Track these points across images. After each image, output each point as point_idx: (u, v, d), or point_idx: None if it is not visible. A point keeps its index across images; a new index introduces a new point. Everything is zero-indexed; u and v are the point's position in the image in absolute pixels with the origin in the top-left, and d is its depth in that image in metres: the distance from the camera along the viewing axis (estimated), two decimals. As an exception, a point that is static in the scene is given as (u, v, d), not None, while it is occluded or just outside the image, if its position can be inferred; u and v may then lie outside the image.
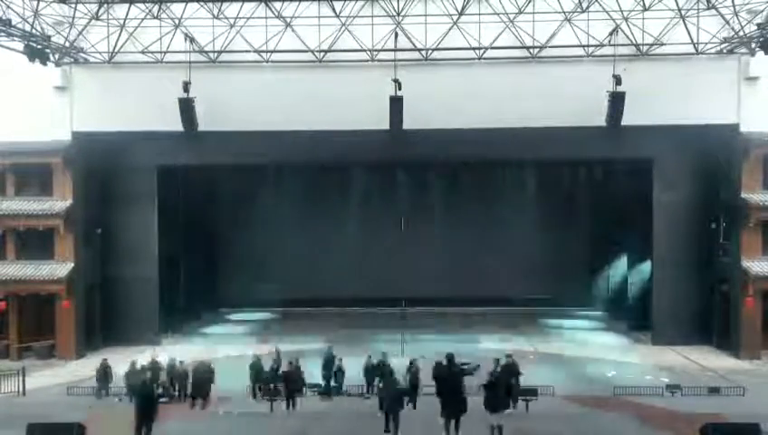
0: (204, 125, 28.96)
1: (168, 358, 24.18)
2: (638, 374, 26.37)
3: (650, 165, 31.84)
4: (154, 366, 23.09)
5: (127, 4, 28.54)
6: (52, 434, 11.76)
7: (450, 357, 13.98)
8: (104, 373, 23.36)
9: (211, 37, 29.81)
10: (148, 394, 15.75)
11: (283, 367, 22.68)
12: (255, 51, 29.83)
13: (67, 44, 29.00)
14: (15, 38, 26.11)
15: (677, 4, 27.71)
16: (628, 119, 28.10)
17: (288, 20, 29.79)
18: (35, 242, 30.47)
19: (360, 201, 40.64)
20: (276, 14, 29.69)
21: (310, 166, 35.14)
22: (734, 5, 26.79)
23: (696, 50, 28.68)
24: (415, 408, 19.67)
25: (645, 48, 29.45)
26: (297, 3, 29.28)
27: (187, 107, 28.40)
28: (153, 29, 29.41)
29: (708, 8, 27.82)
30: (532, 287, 41.93)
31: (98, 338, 31.88)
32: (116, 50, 29.60)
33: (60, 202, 30.35)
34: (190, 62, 29.02)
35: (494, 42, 29.55)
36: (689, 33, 28.33)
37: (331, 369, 23.58)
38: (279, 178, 38.81)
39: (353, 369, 23.71)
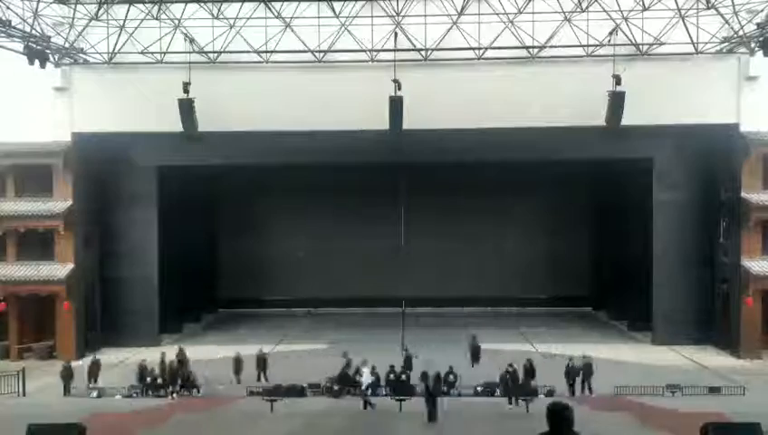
0: (204, 125, 28.94)
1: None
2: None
3: (650, 165, 31.84)
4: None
5: (126, 5, 28.54)
6: (53, 434, 11.73)
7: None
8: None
9: (211, 38, 29.78)
10: None
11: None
12: (255, 51, 29.81)
13: (67, 45, 29.00)
14: (15, 39, 26.12)
15: (677, 4, 27.69)
16: (628, 119, 28.08)
17: (288, 20, 29.77)
18: (36, 243, 30.51)
19: (360, 201, 40.69)
20: (276, 14, 29.67)
21: (310, 166, 35.12)
22: (733, 5, 26.76)
23: (696, 50, 28.67)
24: None
25: (644, 48, 29.44)
26: (297, 3, 29.27)
27: (186, 107, 28.38)
28: (153, 30, 29.37)
29: (708, 8, 27.79)
30: (531, 287, 41.97)
31: (98, 339, 31.88)
32: (116, 50, 29.59)
33: (60, 203, 30.35)
34: (190, 63, 28.99)
35: (493, 42, 29.53)
36: (689, 33, 28.31)
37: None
38: (279, 178, 38.86)
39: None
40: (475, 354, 27.86)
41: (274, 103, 29.71)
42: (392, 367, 24.71)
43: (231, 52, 29.97)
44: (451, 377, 24.46)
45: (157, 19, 29.03)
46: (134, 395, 24.18)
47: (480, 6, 29.68)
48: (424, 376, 21.71)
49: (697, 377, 25.93)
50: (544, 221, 41.72)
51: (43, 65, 27.20)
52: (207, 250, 41.53)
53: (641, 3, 27.97)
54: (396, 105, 27.53)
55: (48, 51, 27.74)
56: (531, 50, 29.63)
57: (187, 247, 36.08)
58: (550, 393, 23.50)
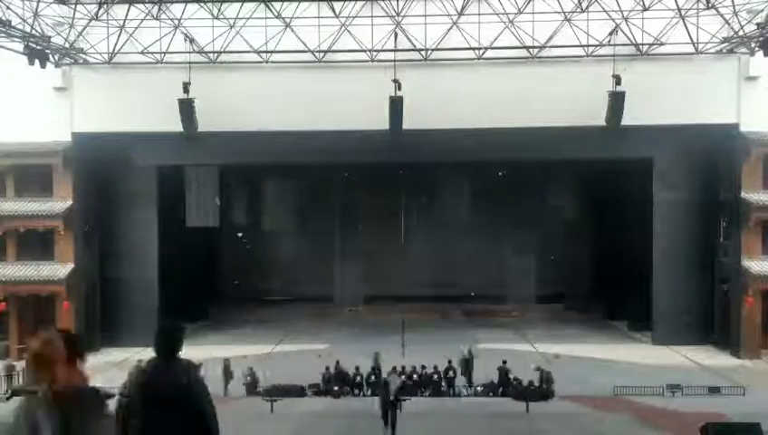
0: (204, 125, 28.97)
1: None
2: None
3: (650, 165, 31.84)
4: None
5: (126, 5, 28.54)
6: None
7: None
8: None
9: (211, 38, 29.79)
10: None
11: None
12: (255, 51, 29.82)
13: (67, 45, 29.00)
14: (15, 39, 26.12)
15: (677, 4, 27.68)
16: (628, 119, 28.09)
17: (288, 20, 29.77)
18: (36, 243, 30.53)
19: (360, 201, 40.73)
20: (276, 14, 29.67)
21: (309, 166, 35.13)
22: (733, 5, 26.76)
23: (696, 50, 28.67)
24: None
25: (645, 48, 29.44)
26: (297, 3, 29.27)
27: (186, 108, 28.40)
28: (153, 30, 29.37)
29: (708, 8, 27.78)
30: (531, 287, 41.93)
31: (97, 339, 31.87)
32: (116, 50, 29.58)
33: (60, 203, 30.36)
34: (190, 63, 29.01)
35: (493, 42, 29.53)
36: (689, 33, 28.31)
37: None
38: (278, 178, 38.91)
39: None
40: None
41: (274, 103, 29.72)
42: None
43: (231, 52, 29.97)
44: (451, 373, 24.44)
45: (157, 19, 29.02)
46: None
47: (480, 6, 29.69)
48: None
49: (697, 377, 25.93)
50: (544, 221, 41.68)
51: (43, 65, 27.23)
52: (208, 250, 41.51)
53: (641, 3, 27.96)
54: (396, 105, 27.57)
55: (48, 51, 27.75)
56: (531, 50, 29.63)
57: (187, 247, 36.10)
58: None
